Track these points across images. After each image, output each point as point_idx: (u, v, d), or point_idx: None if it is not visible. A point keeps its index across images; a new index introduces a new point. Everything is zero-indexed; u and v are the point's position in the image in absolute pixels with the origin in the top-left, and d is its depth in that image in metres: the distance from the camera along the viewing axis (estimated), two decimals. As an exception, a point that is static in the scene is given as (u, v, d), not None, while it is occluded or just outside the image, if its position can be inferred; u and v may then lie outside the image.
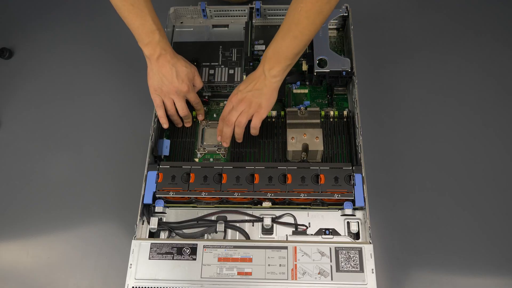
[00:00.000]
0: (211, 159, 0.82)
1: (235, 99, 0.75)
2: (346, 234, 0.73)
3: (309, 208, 0.75)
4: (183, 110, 0.79)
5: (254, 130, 0.76)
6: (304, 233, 0.73)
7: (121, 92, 0.97)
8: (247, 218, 0.74)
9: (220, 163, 0.75)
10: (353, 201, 0.72)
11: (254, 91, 0.73)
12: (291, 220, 0.74)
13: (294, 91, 0.87)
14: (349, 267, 0.66)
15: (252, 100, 0.73)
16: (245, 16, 0.95)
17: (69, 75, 1.00)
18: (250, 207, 0.75)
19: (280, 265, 0.67)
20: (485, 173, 0.85)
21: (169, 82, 0.76)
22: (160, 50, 0.75)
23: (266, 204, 0.74)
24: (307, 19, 0.67)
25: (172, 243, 0.69)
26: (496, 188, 0.84)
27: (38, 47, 1.05)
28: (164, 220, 0.75)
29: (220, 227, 0.72)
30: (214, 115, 0.87)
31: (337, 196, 0.71)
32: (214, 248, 0.68)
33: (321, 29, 0.86)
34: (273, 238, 0.73)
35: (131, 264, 0.68)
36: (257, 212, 0.75)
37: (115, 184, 0.87)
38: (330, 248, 0.68)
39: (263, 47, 0.90)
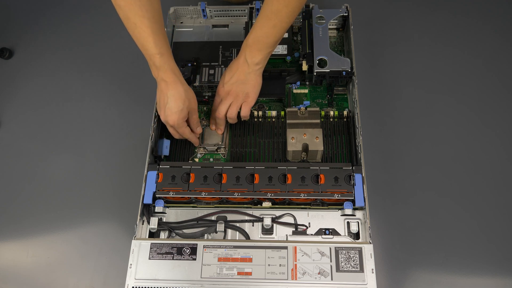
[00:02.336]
0: (211, 159, 0.82)
1: (222, 91, 0.76)
2: (346, 234, 0.73)
3: (309, 208, 0.74)
4: (197, 127, 0.78)
5: (245, 118, 0.78)
6: (304, 233, 0.73)
7: (121, 92, 0.97)
8: (247, 218, 0.74)
9: (220, 163, 0.75)
10: (353, 201, 0.72)
11: (238, 82, 0.74)
12: (291, 220, 0.74)
13: (294, 91, 0.87)
14: (349, 267, 0.66)
15: (238, 91, 0.75)
16: (245, 16, 0.95)
17: (69, 75, 1.00)
18: (250, 207, 0.75)
19: (280, 265, 0.67)
20: (485, 173, 0.85)
21: (164, 116, 0.72)
22: (159, 77, 0.71)
23: (266, 204, 0.74)
24: (286, 8, 0.67)
25: (172, 243, 0.69)
26: (496, 188, 0.84)
27: (38, 47, 1.05)
28: (164, 220, 0.75)
29: (220, 227, 0.72)
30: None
31: (337, 196, 0.71)
32: (214, 248, 0.68)
33: (321, 29, 0.86)
34: (273, 238, 0.73)
35: (131, 264, 0.68)
36: (257, 212, 0.75)
37: (115, 184, 0.87)
38: (330, 248, 0.68)
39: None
